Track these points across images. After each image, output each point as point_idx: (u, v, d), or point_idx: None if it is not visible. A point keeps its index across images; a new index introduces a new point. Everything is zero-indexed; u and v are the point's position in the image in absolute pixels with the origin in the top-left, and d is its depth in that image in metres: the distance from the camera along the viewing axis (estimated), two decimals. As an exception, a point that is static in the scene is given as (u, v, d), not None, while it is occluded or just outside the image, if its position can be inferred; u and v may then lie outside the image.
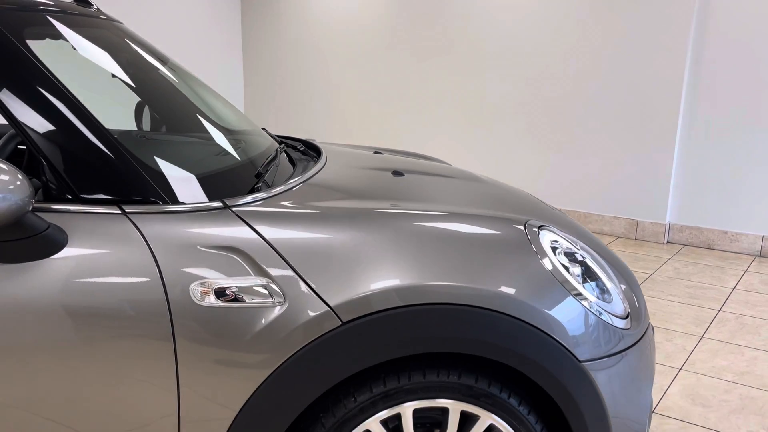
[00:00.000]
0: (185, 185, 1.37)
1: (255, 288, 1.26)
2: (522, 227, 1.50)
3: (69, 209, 1.26)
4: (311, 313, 1.26)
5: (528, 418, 1.39)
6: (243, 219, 1.33)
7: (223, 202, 1.36)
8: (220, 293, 1.25)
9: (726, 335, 3.18)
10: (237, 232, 1.31)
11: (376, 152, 2.34)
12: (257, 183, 1.52)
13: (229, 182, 1.49)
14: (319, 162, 1.80)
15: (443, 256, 1.36)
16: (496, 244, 1.43)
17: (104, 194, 1.29)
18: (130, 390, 1.24)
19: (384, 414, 1.34)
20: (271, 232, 1.32)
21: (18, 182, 1.12)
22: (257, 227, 1.32)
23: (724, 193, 4.77)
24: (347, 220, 1.39)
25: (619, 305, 1.53)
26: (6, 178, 1.12)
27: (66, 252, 1.22)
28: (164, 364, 1.24)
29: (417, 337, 1.30)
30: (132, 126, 1.99)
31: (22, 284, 1.19)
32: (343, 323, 1.27)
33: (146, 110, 1.98)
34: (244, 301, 1.25)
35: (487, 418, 1.37)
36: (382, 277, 1.31)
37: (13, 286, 1.18)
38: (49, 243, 1.21)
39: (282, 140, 2.30)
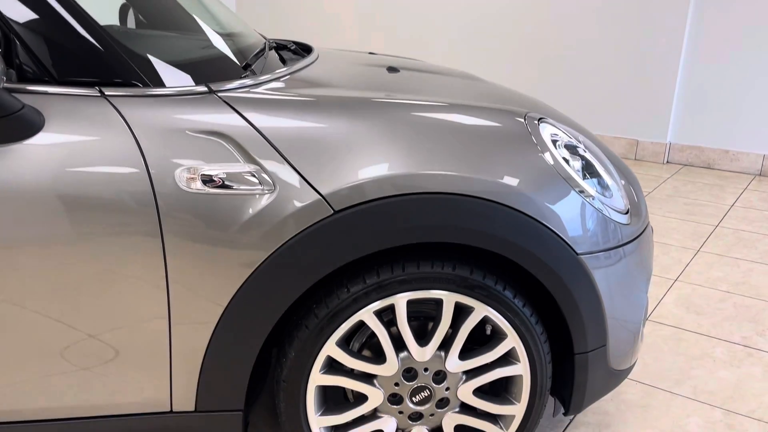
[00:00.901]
0: (168, 68, 1.30)
1: (243, 175, 1.21)
2: (522, 119, 1.44)
3: (45, 91, 1.20)
4: (302, 202, 1.22)
5: (523, 310, 1.37)
6: (230, 104, 1.27)
7: (207, 86, 1.29)
8: (207, 179, 1.20)
9: (722, 249, 3.18)
10: (223, 118, 1.25)
11: (370, 53, 2.25)
12: (244, 73, 1.45)
13: (216, 69, 1.41)
14: (311, 56, 1.72)
15: (440, 145, 1.31)
16: (494, 134, 1.38)
17: (82, 76, 1.22)
18: (117, 279, 1.21)
19: (377, 305, 1.32)
20: (259, 118, 1.26)
21: None
22: (245, 113, 1.26)
23: (726, 112, 4.68)
24: (340, 108, 1.33)
25: (619, 200, 1.49)
26: None
27: (43, 135, 1.16)
28: (151, 251, 1.20)
29: (411, 226, 1.26)
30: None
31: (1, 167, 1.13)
32: (335, 212, 1.23)
33: (131, 12, 1.88)
34: (232, 188, 1.21)
35: (481, 309, 1.35)
36: (377, 165, 1.26)
37: (-8, 169, 1.13)
38: (25, 124, 1.15)
39: (275, 41, 2.21)
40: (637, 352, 1.61)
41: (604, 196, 1.45)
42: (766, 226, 3.53)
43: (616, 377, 1.56)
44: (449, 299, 1.34)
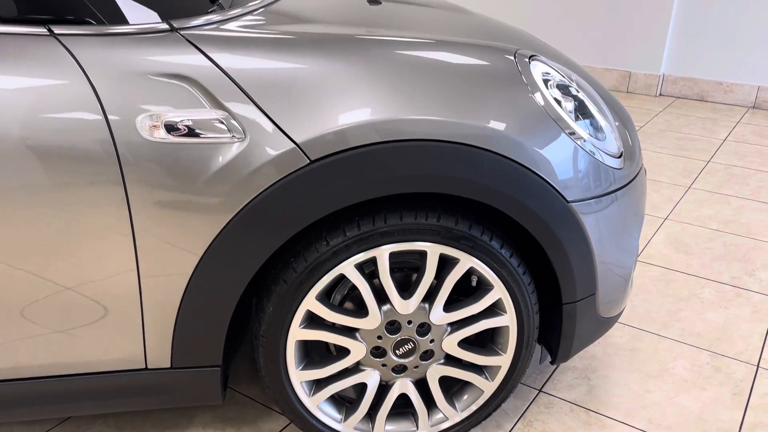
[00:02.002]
0: (126, 3, 1.19)
1: (210, 122, 1.12)
2: (512, 57, 1.34)
3: (-13, 30, 1.08)
4: (275, 151, 1.14)
5: (510, 261, 1.31)
6: (194, 44, 1.16)
7: (169, 23, 1.18)
8: (170, 127, 1.11)
9: (713, 185, 3.13)
10: (187, 59, 1.14)
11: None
12: (212, 8, 1.33)
13: (180, 3, 1.29)
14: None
15: (424, 87, 1.21)
16: (482, 74, 1.28)
17: (29, 12, 1.10)
18: (81, 233, 1.13)
19: (359, 258, 1.25)
20: (226, 59, 1.16)
21: None
22: (210, 54, 1.16)
23: (721, 42, 4.54)
24: (315, 47, 1.23)
25: (612, 144, 1.41)
26: None
27: (-5, 80, 1.06)
28: (114, 203, 1.12)
29: (392, 176, 1.18)
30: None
31: None
32: (312, 161, 1.15)
33: None
34: (198, 136, 1.12)
35: (467, 261, 1.29)
36: (356, 110, 1.17)
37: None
38: (-35, 67, 1.04)
39: None
40: (627, 298, 1.57)
41: (597, 138, 1.38)
42: (758, 161, 3.48)
43: (604, 325, 1.53)
44: (433, 251, 1.28)
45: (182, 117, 1.11)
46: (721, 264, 2.38)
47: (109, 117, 1.09)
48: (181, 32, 1.18)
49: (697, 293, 2.18)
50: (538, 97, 1.29)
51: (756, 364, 1.82)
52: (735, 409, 1.64)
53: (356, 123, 1.16)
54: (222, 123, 1.12)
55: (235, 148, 1.13)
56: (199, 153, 1.12)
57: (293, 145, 1.14)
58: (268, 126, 1.14)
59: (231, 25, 1.25)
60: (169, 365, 1.31)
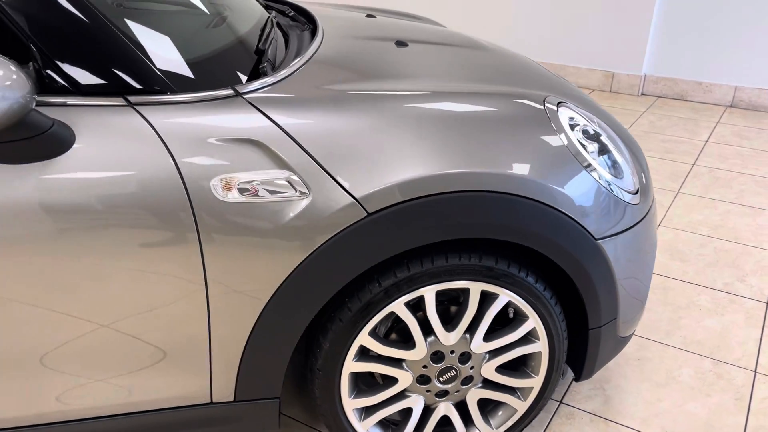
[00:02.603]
0: (190, 71, 1.27)
1: (277, 181, 1.22)
2: (542, 106, 1.46)
3: (67, 102, 1.16)
4: (336, 206, 1.24)
5: (543, 293, 1.44)
6: (257, 107, 1.26)
7: (233, 89, 1.27)
8: (242, 188, 1.20)
9: (700, 189, 3.30)
10: (252, 122, 1.24)
11: (368, 15, 2.19)
12: (261, 64, 1.42)
13: (232, 64, 1.38)
14: (318, 35, 1.67)
15: (466, 140, 1.32)
16: (517, 125, 1.40)
17: (106, 84, 1.19)
18: (157, 286, 1.22)
19: (408, 297, 1.36)
20: (286, 120, 1.25)
21: (15, 77, 1.02)
22: (272, 116, 1.25)
23: (701, 43, 4.71)
24: (365, 105, 1.33)
25: (629, 181, 1.54)
26: (0, 72, 1.01)
27: (74, 150, 1.14)
28: (190, 259, 1.21)
29: (441, 225, 1.29)
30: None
31: (31, 187, 1.12)
32: (369, 214, 1.25)
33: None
34: (267, 196, 1.21)
35: (505, 296, 1.41)
36: (406, 165, 1.27)
37: (22, 188, 1.11)
38: (56, 141, 1.12)
39: (266, 2, 2.13)
40: (641, 317, 1.71)
41: (617, 177, 1.50)
42: (739, 163, 3.66)
43: (622, 343, 1.66)
44: (476, 288, 1.39)
45: (252, 178, 1.21)
46: (713, 271, 2.54)
47: (186, 180, 1.18)
48: (245, 96, 1.27)
49: (694, 301, 2.33)
50: (567, 143, 1.41)
51: (753, 369, 1.98)
52: (738, 414, 1.80)
53: (408, 178, 1.26)
54: (288, 182, 1.22)
55: (300, 205, 1.23)
56: (267, 210, 1.22)
57: (352, 200, 1.24)
58: (329, 182, 1.24)
59: (283, 85, 1.35)
60: (232, 399, 1.41)
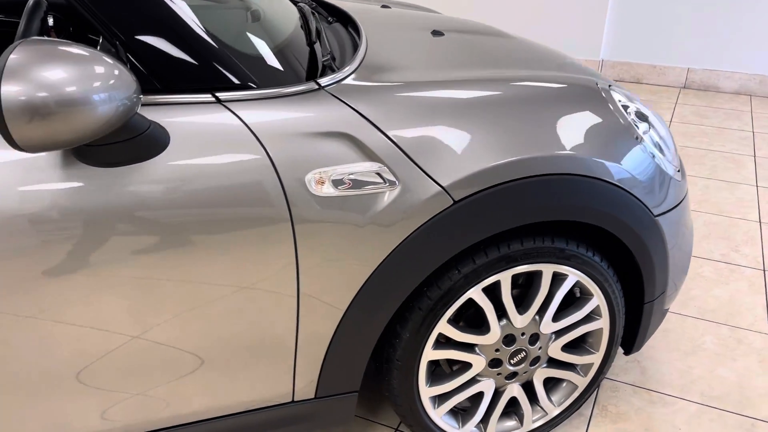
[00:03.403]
0: (272, 66, 1.24)
1: (368, 173, 1.21)
2: (598, 89, 1.50)
3: (157, 100, 1.12)
4: (424, 195, 1.24)
5: (607, 271, 1.48)
6: (341, 99, 1.24)
7: (316, 82, 1.25)
8: (335, 182, 1.19)
9: (677, 167, 3.45)
10: (340, 114, 1.22)
11: (383, 6, 2.19)
12: (325, 59, 1.40)
13: (304, 58, 1.36)
14: (360, 28, 1.65)
15: (538, 125, 1.35)
16: (582, 108, 1.43)
17: (195, 82, 1.15)
18: (249, 283, 1.20)
19: (486, 282, 1.38)
20: (370, 111, 1.25)
21: (121, 76, 0.97)
22: (357, 107, 1.24)
23: (654, 27, 4.91)
24: (440, 94, 1.33)
25: (674, 159, 1.60)
26: (105, 71, 0.96)
27: (170, 150, 1.10)
28: (284, 254, 1.19)
29: (522, 209, 1.31)
30: None
31: (128, 189, 1.07)
32: (455, 202, 1.26)
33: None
34: (359, 188, 1.21)
35: (573, 276, 1.45)
36: (486, 151, 1.29)
37: (119, 191, 1.07)
38: (153, 143, 1.08)
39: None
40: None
41: (664, 156, 1.56)
42: (705, 141, 3.84)
43: (664, 315, 1.74)
44: (548, 270, 1.43)
45: (344, 171, 1.19)
46: (708, 243, 2.67)
47: (281, 176, 1.16)
48: (327, 89, 1.25)
49: (699, 272, 2.45)
50: (626, 124, 1.46)
51: None
52: (765, 375, 1.91)
53: (491, 164, 1.27)
54: (378, 174, 1.22)
55: (389, 196, 1.23)
56: (358, 203, 1.21)
57: (439, 188, 1.25)
58: (416, 172, 1.24)
59: (358, 78, 1.33)
60: (313, 396, 1.39)
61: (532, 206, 1.32)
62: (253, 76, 1.20)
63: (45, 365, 1.15)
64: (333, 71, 1.34)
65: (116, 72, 0.97)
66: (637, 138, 1.46)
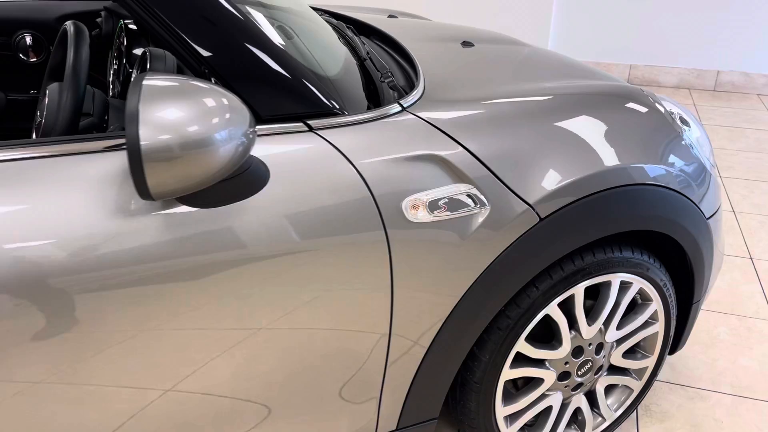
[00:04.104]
0: (355, 91, 1.19)
1: (460, 196, 1.17)
2: (647, 94, 1.52)
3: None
4: (513, 214, 1.21)
5: (665, 278, 1.51)
6: (426, 120, 1.20)
7: (399, 104, 1.20)
8: (430, 206, 1.14)
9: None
10: (428, 137, 1.18)
11: (390, 16, 2.14)
12: (389, 79, 1.35)
13: (368, 81, 1.31)
14: (401, 44, 1.60)
15: (607, 137, 1.35)
16: (646, 116, 1.44)
17: (286, 110, 1.07)
18: (346, 316, 1.14)
19: (561, 297, 1.37)
20: (454, 131, 1.21)
21: (241, 112, 0.89)
22: (444, 129, 1.20)
23: (598, 25, 5.08)
24: (514, 110, 1.31)
25: (710, 158, 1.65)
26: (229, 106, 0.88)
27: (272, 183, 1.02)
28: (380, 285, 1.14)
29: (601, 222, 1.31)
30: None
31: (230, 228, 0.99)
32: (541, 219, 1.24)
33: None
34: (453, 212, 1.16)
35: (638, 283, 1.46)
36: (565, 166, 1.27)
37: (222, 232, 0.98)
38: (256, 178, 1.00)
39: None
40: (708, 286, 1.84)
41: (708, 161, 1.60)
42: (662, 134, 4.00)
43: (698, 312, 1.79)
44: (616, 280, 1.43)
45: (437, 196, 1.15)
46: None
47: (378, 202, 1.10)
48: (409, 111, 1.20)
49: (694, 265, 2.54)
50: (678, 131, 1.48)
51: (772, 319, 2.21)
52: (782, 361, 2.00)
53: (572, 179, 1.26)
54: (469, 197, 1.18)
55: (480, 217, 1.19)
56: (452, 227, 1.17)
57: (527, 207, 1.23)
58: (504, 191, 1.21)
59: (430, 98, 1.29)
60: (395, 427, 1.34)
61: (611, 218, 1.32)
62: (339, 102, 1.14)
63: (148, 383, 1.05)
64: (396, 91, 1.29)
65: (237, 107, 0.89)
66: (688, 143, 1.49)
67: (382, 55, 1.57)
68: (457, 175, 1.17)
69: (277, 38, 1.10)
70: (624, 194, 1.32)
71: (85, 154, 0.95)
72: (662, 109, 1.50)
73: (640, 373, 1.64)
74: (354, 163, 1.09)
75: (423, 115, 1.21)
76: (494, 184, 1.20)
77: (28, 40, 2.02)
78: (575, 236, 1.29)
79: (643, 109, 1.47)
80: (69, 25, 1.31)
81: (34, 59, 2.04)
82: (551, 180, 1.25)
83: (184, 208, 0.96)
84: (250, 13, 1.10)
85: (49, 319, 0.90)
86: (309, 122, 1.09)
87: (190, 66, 1.03)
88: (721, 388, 1.89)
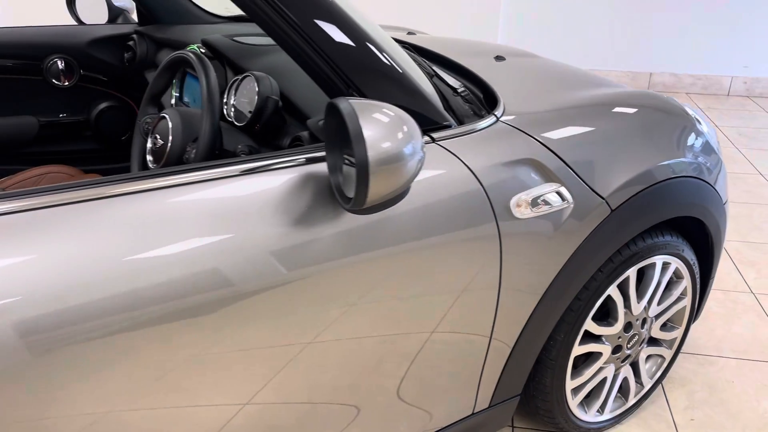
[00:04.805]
0: (461, 104, 1.33)
1: (551, 194, 1.33)
2: (676, 101, 1.74)
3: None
4: (591, 207, 1.39)
5: (693, 257, 1.73)
6: (519, 129, 1.36)
7: (495, 116, 1.35)
8: (532, 204, 1.30)
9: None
10: (524, 143, 1.34)
11: (409, 33, 2.28)
12: (464, 92, 1.49)
13: (468, 94, 1.46)
14: (459, 60, 1.75)
15: (656, 133, 1.55)
16: (677, 115, 1.66)
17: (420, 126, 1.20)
18: (457, 313, 1.28)
19: (620, 279, 1.56)
20: (542, 137, 1.37)
21: (414, 127, 1.01)
22: (534, 135, 1.36)
23: (534, 30, 5.37)
24: (582, 115, 1.49)
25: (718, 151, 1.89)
26: (407, 119, 0.99)
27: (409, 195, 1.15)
28: (491, 279, 1.28)
29: (657, 210, 1.51)
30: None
31: (371, 238, 1.11)
32: (612, 210, 1.43)
33: None
34: (547, 208, 1.33)
35: (674, 263, 1.68)
36: (630, 163, 1.46)
37: (376, 232, 1.11)
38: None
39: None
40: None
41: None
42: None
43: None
44: (660, 261, 1.64)
45: (535, 194, 1.31)
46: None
47: (493, 205, 1.25)
48: (502, 120, 1.36)
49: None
50: (701, 127, 1.71)
51: (750, 291, 2.50)
52: (767, 326, 2.29)
53: (636, 174, 1.45)
54: (558, 194, 1.34)
55: (566, 212, 1.36)
56: (546, 221, 1.33)
57: (601, 200, 1.41)
58: (583, 188, 1.38)
59: (514, 107, 1.45)
60: (488, 405, 1.49)
61: (664, 206, 1.52)
62: (452, 115, 1.28)
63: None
64: (471, 104, 1.44)
65: (412, 122, 1.00)
66: (707, 138, 1.71)
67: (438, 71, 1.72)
68: (547, 175, 1.34)
69: (406, 59, 1.23)
70: (672, 186, 1.53)
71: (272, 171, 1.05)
72: (688, 111, 1.72)
73: (670, 343, 1.86)
74: (472, 170, 1.23)
75: (514, 123, 1.37)
76: (575, 181, 1.37)
77: (60, 64, 2.03)
78: (637, 224, 1.48)
79: (674, 111, 1.68)
80: (187, 53, 1.38)
81: (66, 83, 2.05)
82: (619, 176, 1.44)
83: (348, 215, 1.08)
84: (380, 35, 1.21)
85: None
86: (432, 135, 1.22)
87: (332, 88, 1.14)
88: (724, 353, 2.15)
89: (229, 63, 1.64)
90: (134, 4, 2.26)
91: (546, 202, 1.32)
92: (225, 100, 1.49)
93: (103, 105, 2.12)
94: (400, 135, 0.97)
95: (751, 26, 5.16)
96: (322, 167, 1.10)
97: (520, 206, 1.29)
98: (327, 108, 0.98)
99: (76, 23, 2.18)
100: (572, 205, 1.36)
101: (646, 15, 5.21)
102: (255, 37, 1.78)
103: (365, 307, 1.14)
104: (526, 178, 1.31)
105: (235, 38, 1.73)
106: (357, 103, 0.95)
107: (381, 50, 1.17)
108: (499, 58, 1.93)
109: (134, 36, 2.10)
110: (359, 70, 1.13)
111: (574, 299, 1.51)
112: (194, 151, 1.25)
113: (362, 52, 1.13)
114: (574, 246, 1.39)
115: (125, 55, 2.12)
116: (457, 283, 1.25)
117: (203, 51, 1.70)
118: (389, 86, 1.17)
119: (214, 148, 1.24)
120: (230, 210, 1.01)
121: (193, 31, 2.07)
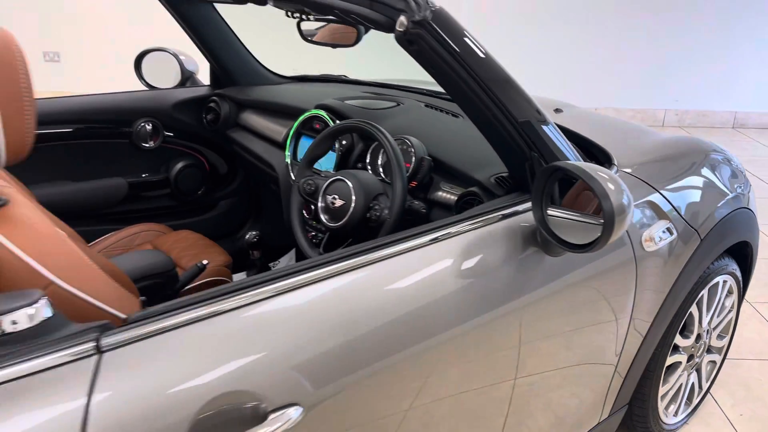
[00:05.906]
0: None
1: (664, 230, 1.60)
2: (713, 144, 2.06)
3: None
4: (689, 239, 1.66)
5: (740, 275, 2.04)
6: (636, 176, 1.61)
7: (616, 166, 1.61)
8: (656, 238, 1.55)
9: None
10: (642, 189, 1.59)
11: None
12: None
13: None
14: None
15: (717, 174, 1.85)
16: (724, 159, 1.97)
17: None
18: (596, 325, 1.50)
19: (698, 297, 1.84)
20: (652, 183, 1.64)
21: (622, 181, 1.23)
22: (648, 181, 1.62)
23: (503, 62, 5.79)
24: (667, 162, 1.77)
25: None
26: (613, 175, 1.21)
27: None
28: (627, 301, 1.53)
29: (730, 236, 1.81)
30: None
31: (559, 271, 1.33)
32: (702, 239, 1.71)
33: None
34: (666, 241, 1.59)
35: (729, 281, 1.98)
36: (707, 200, 1.75)
37: (555, 274, 1.33)
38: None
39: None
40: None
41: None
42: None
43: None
44: (721, 280, 1.93)
45: (656, 230, 1.57)
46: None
47: (632, 239, 1.49)
48: (623, 170, 1.61)
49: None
50: (739, 165, 2.04)
51: (746, 300, 2.87)
52: (751, 321, 2.66)
53: (713, 208, 1.75)
54: (668, 230, 1.61)
55: (673, 243, 1.63)
56: (662, 252, 1.59)
57: (694, 231, 1.68)
58: (683, 223, 1.65)
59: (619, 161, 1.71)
60: (608, 414, 1.71)
61: (732, 234, 1.82)
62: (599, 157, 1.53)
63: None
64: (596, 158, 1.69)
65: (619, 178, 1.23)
66: (743, 172, 2.04)
67: None
68: (662, 215, 1.60)
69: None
70: (736, 216, 1.83)
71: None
72: (726, 151, 2.05)
73: (720, 350, 2.16)
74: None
75: (631, 173, 1.62)
76: (678, 219, 1.64)
77: (148, 127, 2.11)
78: (716, 249, 1.77)
79: (720, 153, 2.00)
80: (359, 122, 1.55)
81: (152, 144, 2.14)
82: (704, 210, 1.72)
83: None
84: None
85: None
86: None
87: (514, 152, 1.34)
88: (747, 356, 2.48)
89: (356, 128, 1.81)
90: (198, 66, 2.38)
91: (662, 237, 1.58)
92: (368, 161, 1.66)
93: (181, 164, 2.21)
94: (622, 189, 1.19)
95: (680, 65, 5.80)
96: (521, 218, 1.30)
97: (648, 240, 1.54)
98: (546, 171, 1.19)
99: (147, 88, 2.26)
100: (677, 238, 1.63)
101: (594, 53, 5.73)
102: (362, 99, 1.96)
103: (542, 342, 1.35)
104: (647, 216, 1.56)
105: (347, 101, 1.91)
106: (585, 166, 1.16)
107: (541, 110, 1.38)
108: (557, 110, 2.20)
109: (215, 98, 2.21)
110: (534, 134, 1.34)
111: (674, 316, 1.77)
112: (384, 209, 1.41)
113: (530, 116, 1.34)
114: (678, 272, 1.65)
115: (206, 116, 2.23)
116: (608, 313, 1.47)
117: (327, 115, 1.85)
118: (556, 149, 1.38)
119: (404, 205, 1.41)
120: (472, 261, 1.20)
121: (270, 92, 2.21)
